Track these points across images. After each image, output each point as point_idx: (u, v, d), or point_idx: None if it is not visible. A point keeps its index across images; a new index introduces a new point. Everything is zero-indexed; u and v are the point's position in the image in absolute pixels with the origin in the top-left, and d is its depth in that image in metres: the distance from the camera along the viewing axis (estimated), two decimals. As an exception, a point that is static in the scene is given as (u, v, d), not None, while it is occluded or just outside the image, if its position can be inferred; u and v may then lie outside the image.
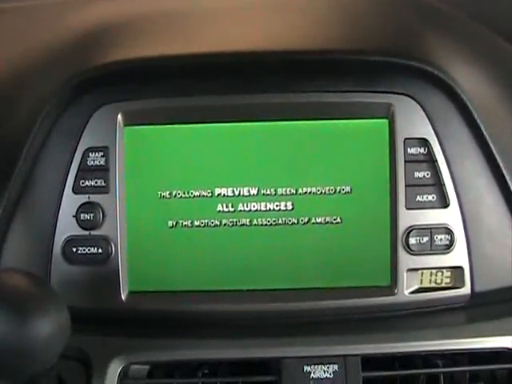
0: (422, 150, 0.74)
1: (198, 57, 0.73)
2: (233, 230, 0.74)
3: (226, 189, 0.74)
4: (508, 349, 0.71)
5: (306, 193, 0.74)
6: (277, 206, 0.74)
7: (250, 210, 0.74)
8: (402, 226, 0.74)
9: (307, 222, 0.74)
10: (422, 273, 0.74)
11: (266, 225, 0.74)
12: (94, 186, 0.74)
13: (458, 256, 0.74)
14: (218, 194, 0.74)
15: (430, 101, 0.74)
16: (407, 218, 0.74)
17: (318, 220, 0.74)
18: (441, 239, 0.74)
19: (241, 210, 0.74)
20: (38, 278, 0.64)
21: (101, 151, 0.74)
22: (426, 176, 0.74)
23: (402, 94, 0.74)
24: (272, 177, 0.74)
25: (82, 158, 0.74)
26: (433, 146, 0.74)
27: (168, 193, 0.74)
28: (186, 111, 0.74)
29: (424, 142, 0.74)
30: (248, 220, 0.74)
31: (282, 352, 0.70)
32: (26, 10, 0.90)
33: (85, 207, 0.74)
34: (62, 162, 0.74)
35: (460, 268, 0.75)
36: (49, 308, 0.60)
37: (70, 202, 0.74)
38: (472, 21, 0.86)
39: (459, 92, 0.73)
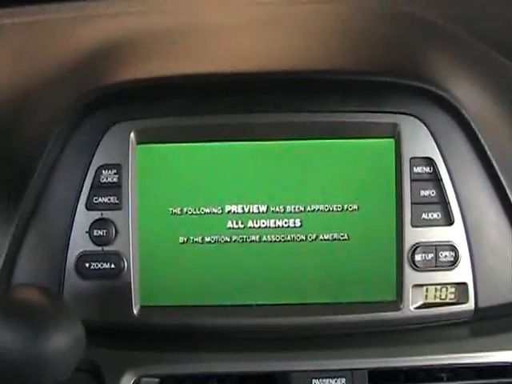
0: (427, 169, 0.75)
1: (208, 76, 0.74)
2: (242, 246, 0.75)
3: (235, 206, 0.75)
4: (511, 363, 0.72)
5: (314, 210, 0.75)
6: (285, 222, 0.75)
7: (259, 227, 0.75)
8: (408, 243, 0.75)
9: (315, 239, 0.75)
10: (427, 288, 0.76)
11: (275, 241, 0.75)
12: (106, 203, 0.74)
13: (462, 272, 0.75)
14: (228, 211, 0.75)
15: (434, 120, 0.75)
16: (413, 235, 0.75)
17: (326, 237, 0.75)
18: (445, 256, 0.75)
19: (250, 227, 0.75)
20: (52, 292, 0.65)
21: (114, 169, 0.74)
22: (432, 194, 0.75)
23: (407, 113, 0.75)
24: (281, 194, 0.75)
25: (95, 175, 0.74)
26: (438, 165, 0.75)
27: (179, 209, 0.75)
28: (197, 129, 0.75)
29: (429, 161, 0.75)
30: (257, 236, 0.75)
31: (291, 366, 0.71)
32: (34, 26, 0.90)
33: (98, 223, 0.74)
34: (76, 179, 0.75)
35: (464, 284, 0.76)
36: (64, 322, 0.60)
37: (83, 218, 0.74)
38: (474, 39, 0.87)
39: (463, 112, 0.74)
